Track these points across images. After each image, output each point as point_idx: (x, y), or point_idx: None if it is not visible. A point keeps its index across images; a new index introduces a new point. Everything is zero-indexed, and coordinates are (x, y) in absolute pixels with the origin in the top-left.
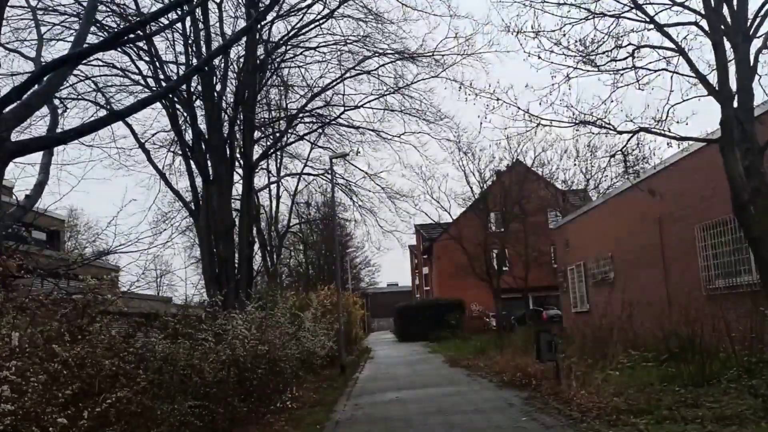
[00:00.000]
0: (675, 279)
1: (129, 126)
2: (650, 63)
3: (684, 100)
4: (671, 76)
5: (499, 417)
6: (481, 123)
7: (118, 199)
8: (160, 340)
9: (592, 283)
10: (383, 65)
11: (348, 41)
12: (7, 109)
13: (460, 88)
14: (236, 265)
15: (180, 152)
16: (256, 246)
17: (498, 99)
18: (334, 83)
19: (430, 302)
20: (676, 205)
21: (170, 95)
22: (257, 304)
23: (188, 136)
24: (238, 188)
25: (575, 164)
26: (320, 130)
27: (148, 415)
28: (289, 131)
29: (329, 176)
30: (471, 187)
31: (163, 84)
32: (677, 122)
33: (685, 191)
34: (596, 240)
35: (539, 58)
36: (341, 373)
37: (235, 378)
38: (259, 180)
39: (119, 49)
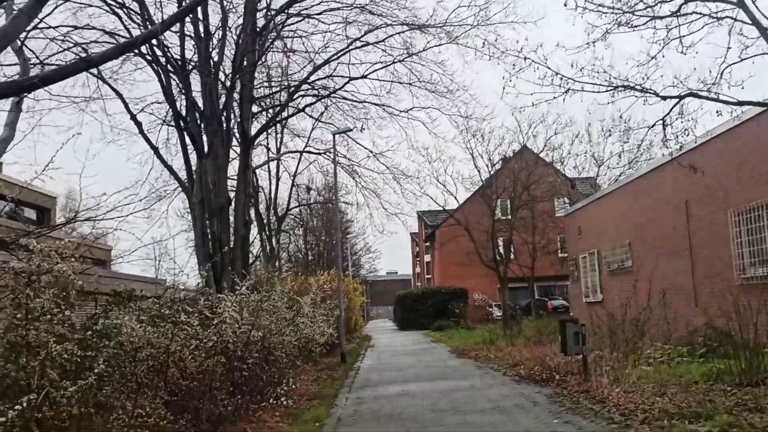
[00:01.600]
0: (702, 267)
1: (117, 93)
2: (697, 20)
3: (741, 60)
4: (729, 29)
5: (526, 419)
6: (503, 88)
7: (108, 177)
8: (130, 322)
9: (608, 272)
10: (391, 36)
11: (354, 6)
12: None
13: (483, 44)
14: (231, 246)
15: (173, 124)
16: (254, 230)
17: (526, 58)
18: (339, 54)
19: (432, 291)
20: (706, 188)
21: (165, 64)
22: (250, 283)
23: (182, 107)
24: (235, 166)
25: (589, 149)
26: (323, 105)
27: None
28: (290, 105)
29: (331, 155)
30: (479, 171)
31: (157, 50)
32: (731, 86)
33: (717, 172)
34: (612, 227)
35: (578, 7)
36: (342, 363)
37: (222, 368)
38: (258, 159)
39: (108, 9)
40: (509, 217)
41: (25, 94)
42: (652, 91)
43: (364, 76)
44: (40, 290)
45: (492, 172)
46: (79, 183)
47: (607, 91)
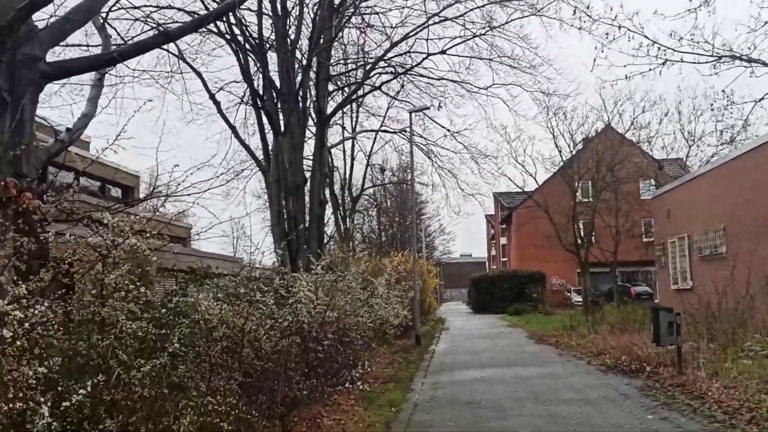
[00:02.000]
0: None
1: (197, 72)
2: None
3: None
4: None
5: (615, 412)
6: (594, 60)
7: (187, 156)
8: (206, 300)
9: (699, 257)
10: (471, 10)
11: None
12: (44, 27)
13: (574, 12)
14: (306, 225)
15: (250, 103)
16: (329, 210)
17: (620, 26)
18: (417, 30)
19: (508, 274)
20: None
21: (243, 43)
22: (325, 263)
23: (259, 87)
24: (310, 146)
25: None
26: (399, 83)
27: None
28: (366, 83)
29: (407, 134)
30: (560, 151)
31: (235, 29)
32: None
33: None
34: (704, 210)
35: None
36: (416, 345)
37: (297, 349)
38: (333, 139)
39: None
40: (590, 199)
41: (106, 69)
42: (761, 62)
43: (443, 51)
44: (115, 265)
45: (574, 152)
46: (156, 159)
47: (708, 62)
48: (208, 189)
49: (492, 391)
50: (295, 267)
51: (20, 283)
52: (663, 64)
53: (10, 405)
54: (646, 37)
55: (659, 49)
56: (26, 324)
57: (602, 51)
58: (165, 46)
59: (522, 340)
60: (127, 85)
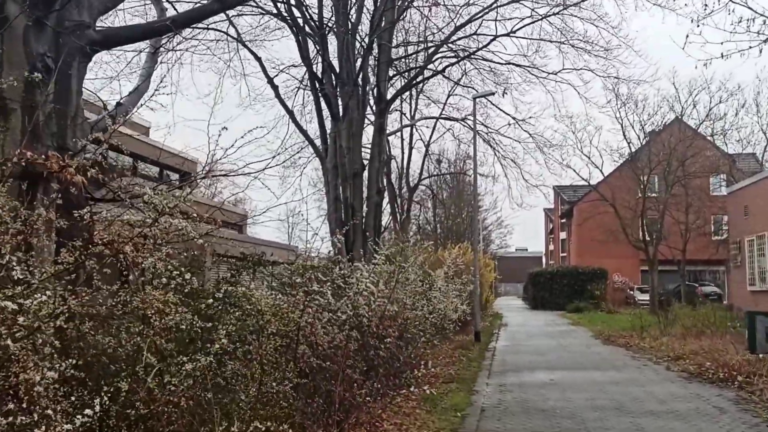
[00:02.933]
0: None
1: (255, 56)
2: None
3: None
4: None
5: (714, 429)
6: (686, 36)
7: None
8: (257, 289)
9: None
10: None
11: None
12: None
13: None
14: (364, 214)
15: (308, 87)
16: (385, 201)
17: None
18: (485, 11)
19: (568, 269)
20: None
21: (302, 25)
22: (384, 254)
23: (318, 71)
24: (368, 133)
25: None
26: (461, 69)
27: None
28: (428, 68)
29: (467, 122)
30: (629, 143)
31: (295, 11)
32: None
33: None
34: None
35: None
36: (476, 341)
37: (356, 346)
38: (392, 126)
39: None
40: (656, 193)
41: (160, 41)
42: None
43: (511, 32)
44: (153, 248)
45: (643, 144)
46: (208, 135)
47: None
48: (264, 168)
49: (567, 398)
50: (351, 256)
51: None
52: (766, 41)
53: (10, 419)
54: (751, 9)
55: (765, 22)
56: (21, 318)
57: (697, 26)
58: (224, 30)
59: (588, 340)
60: (185, 69)
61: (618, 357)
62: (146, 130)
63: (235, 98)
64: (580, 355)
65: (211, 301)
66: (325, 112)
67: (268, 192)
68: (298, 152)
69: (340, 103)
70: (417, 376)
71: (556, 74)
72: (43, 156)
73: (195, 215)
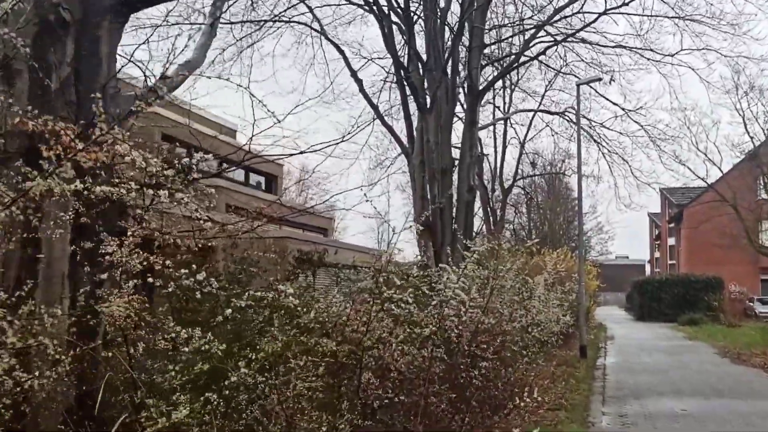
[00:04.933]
0: None
1: (339, 49)
2: None
3: None
4: None
5: None
6: None
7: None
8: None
9: None
10: None
11: None
12: None
13: None
14: (454, 214)
15: (393, 81)
16: (477, 204)
17: None
18: None
19: (678, 278)
20: None
21: (387, 11)
22: (477, 253)
23: (404, 59)
24: (458, 130)
25: None
26: (563, 58)
27: None
28: (525, 53)
29: (568, 115)
30: (751, 137)
31: None
32: None
33: None
34: None
35: None
36: (581, 357)
37: (442, 367)
38: (483, 121)
39: None
40: None
41: (217, 11)
42: None
43: (624, 3)
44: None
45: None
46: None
47: None
48: (350, 166)
49: None
50: (439, 260)
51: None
52: None
53: None
54: None
55: None
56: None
57: None
58: (307, 23)
59: (713, 358)
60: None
61: (758, 380)
62: (233, 132)
63: (314, 95)
64: (709, 376)
65: (225, 315)
66: (413, 109)
67: (356, 197)
68: (383, 155)
69: (427, 94)
70: (520, 407)
71: (672, 56)
72: (50, 126)
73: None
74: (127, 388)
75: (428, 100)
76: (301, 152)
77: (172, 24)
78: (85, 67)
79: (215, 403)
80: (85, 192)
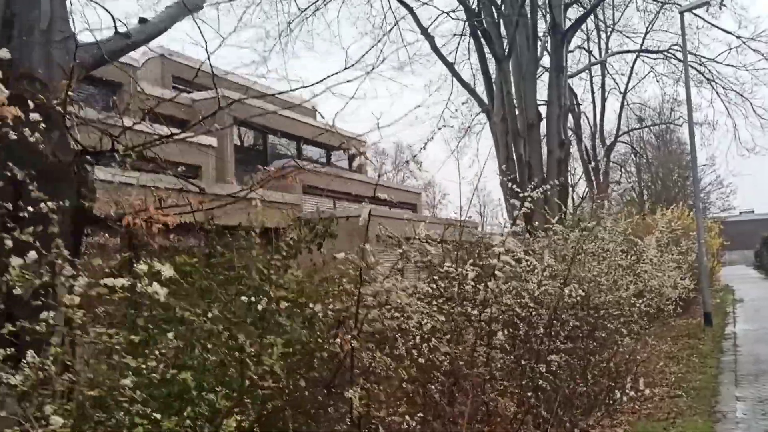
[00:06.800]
0: None
1: (408, 7)
2: None
3: None
4: None
5: None
6: None
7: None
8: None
9: None
10: None
11: None
12: None
13: None
14: (544, 174)
15: (467, 32)
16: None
17: None
18: None
19: None
20: None
21: None
22: (570, 219)
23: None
24: (543, 81)
25: None
26: None
27: None
28: None
29: (672, 53)
30: None
31: None
32: None
33: None
34: None
35: None
36: (706, 326)
37: (505, 358)
38: (574, 69)
39: None
40: None
41: None
42: None
43: None
44: None
45: None
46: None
47: None
48: (431, 137)
49: None
50: (530, 226)
51: None
52: None
53: None
54: None
55: None
56: None
57: None
58: None
59: None
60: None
61: None
62: (312, 113)
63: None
64: None
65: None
66: (490, 62)
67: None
68: (465, 119)
69: (505, 40)
70: (615, 402)
71: None
72: None
73: None
74: None
75: (506, 48)
76: (380, 127)
77: None
78: (15, 5)
79: None
80: None
